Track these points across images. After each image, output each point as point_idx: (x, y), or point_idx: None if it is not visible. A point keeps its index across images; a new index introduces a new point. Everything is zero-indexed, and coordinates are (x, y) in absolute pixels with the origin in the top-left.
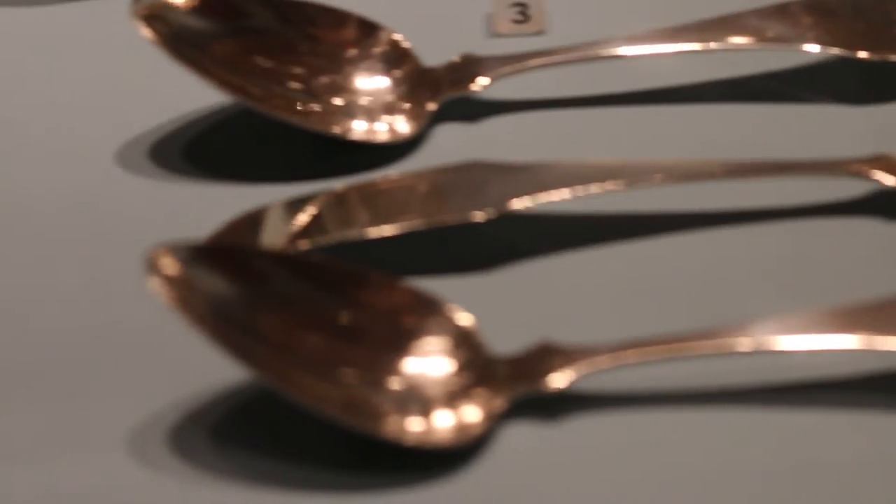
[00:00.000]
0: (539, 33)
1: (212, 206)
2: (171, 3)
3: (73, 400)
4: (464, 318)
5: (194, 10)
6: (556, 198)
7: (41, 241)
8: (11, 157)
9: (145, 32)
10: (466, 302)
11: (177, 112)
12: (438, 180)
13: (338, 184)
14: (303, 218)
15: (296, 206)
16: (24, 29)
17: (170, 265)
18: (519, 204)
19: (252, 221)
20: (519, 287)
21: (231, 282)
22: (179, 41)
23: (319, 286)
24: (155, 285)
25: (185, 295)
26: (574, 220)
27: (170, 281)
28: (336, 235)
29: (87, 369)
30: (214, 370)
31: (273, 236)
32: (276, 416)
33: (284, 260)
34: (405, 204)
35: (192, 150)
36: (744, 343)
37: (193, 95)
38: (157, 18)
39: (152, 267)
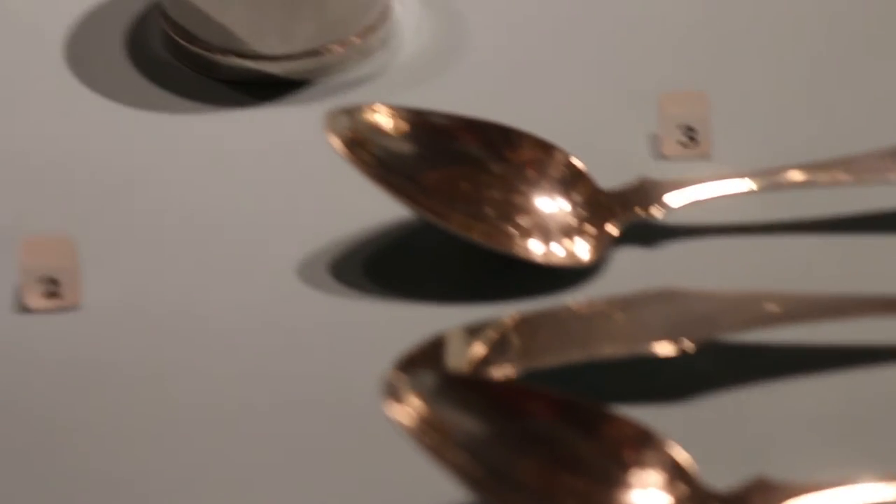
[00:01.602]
0: (705, 157)
1: (391, 324)
2: (362, 118)
3: None
4: (679, 453)
5: (380, 124)
6: (753, 328)
7: (221, 353)
8: (194, 266)
9: (335, 143)
10: (671, 432)
11: (358, 225)
12: (631, 307)
13: (516, 306)
14: (487, 343)
15: (478, 330)
16: (214, 134)
17: (410, 394)
18: (718, 334)
19: (436, 345)
20: (724, 418)
21: (464, 412)
22: (364, 153)
23: (539, 415)
24: (396, 412)
25: (426, 425)
26: (772, 348)
27: (411, 410)
28: (533, 362)
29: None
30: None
31: (456, 361)
32: None
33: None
34: (597, 331)
35: (373, 265)
36: None
37: (375, 208)
38: (344, 130)
39: (393, 393)
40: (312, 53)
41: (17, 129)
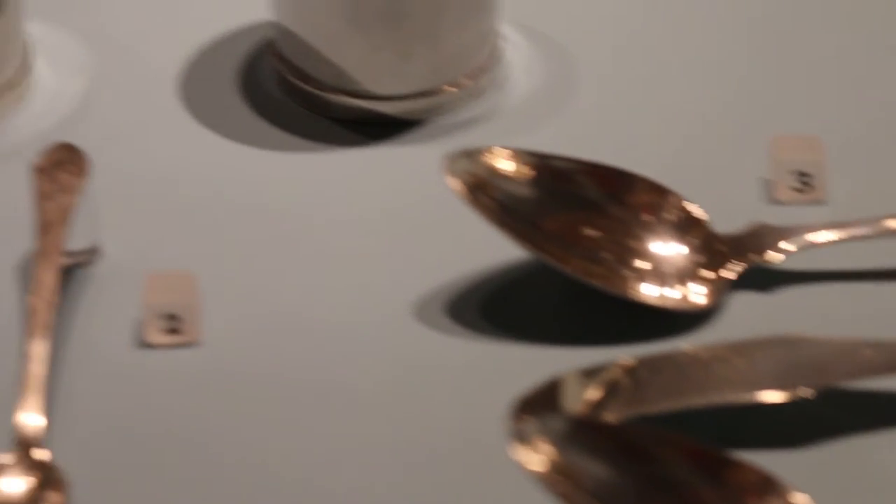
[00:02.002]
0: (820, 202)
1: (506, 364)
2: (481, 160)
3: None
4: (802, 500)
5: (499, 166)
6: (871, 376)
7: (337, 391)
8: (311, 304)
9: (455, 186)
10: (792, 478)
11: (474, 265)
12: (748, 353)
13: (631, 350)
14: (603, 386)
15: (594, 373)
16: (328, 173)
17: (539, 438)
18: (836, 381)
19: (552, 388)
20: (845, 464)
21: (592, 457)
22: (482, 195)
23: (666, 460)
24: (525, 458)
25: (556, 470)
26: (893, 395)
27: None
28: (650, 407)
29: None
30: None
31: (573, 404)
32: None
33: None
34: (714, 376)
35: (489, 306)
36: None
37: (491, 248)
38: (463, 172)
39: (521, 437)
40: (425, 94)
41: (134, 165)
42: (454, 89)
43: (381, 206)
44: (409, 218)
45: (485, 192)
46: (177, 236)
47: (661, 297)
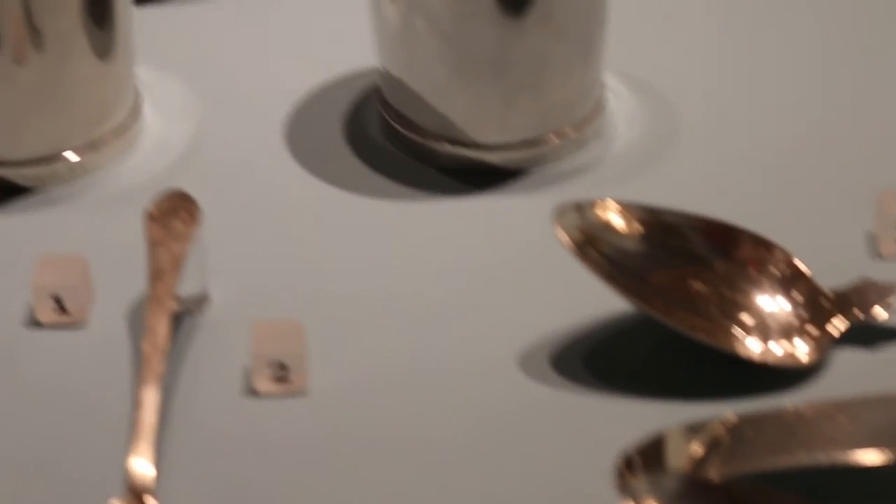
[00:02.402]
0: None
1: (610, 418)
2: (589, 213)
3: None
4: None
5: (607, 220)
6: None
7: (441, 441)
8: (415, 353)
9: (563, 239)
10: None
11: (578, 316)
12: (854, 411)
13: (735, 405)
14: (707, 443)
15: (698, 429)
16: (431, 221)
17: (650, 497)
18: None
19: (656, 443)
20: None
21: None
22: (590, 248)
23: None
24: None
25: None
26: None
27: None
28: (754, 464)
29: None
30: None
31: (677, 460)
32: None
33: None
34: (820, 434)
35: (593, 358)
36: None
37: (595, 300)
38: (571, 225)
39: (631, 495)
40: (529, 143)
41: (240, 210)
42: (558, 139)
43: (484, 255)
44: (513, 268)
45: (593, 245)
46: (283, 283)
47: (765, 352)
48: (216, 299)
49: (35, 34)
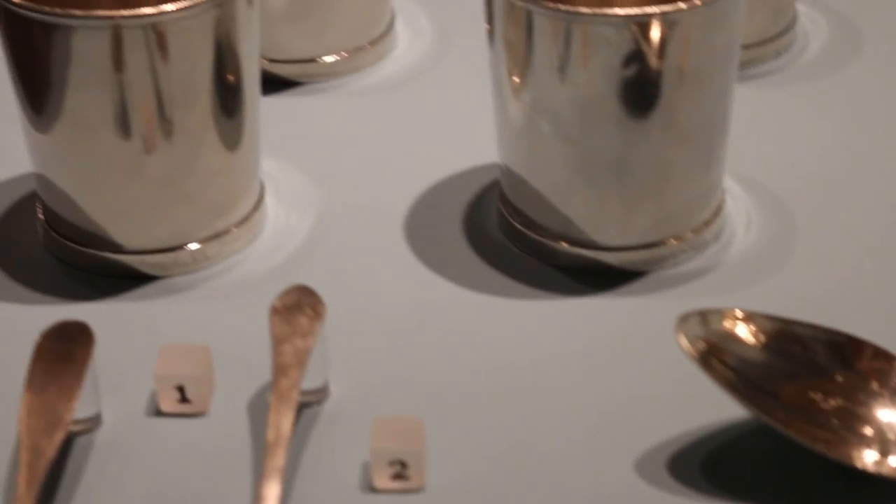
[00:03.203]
0: None
1: None
2: (712, 322)
3: None
4: None
5: (730, 329)
6: None
7: None
8: (532, 453)
9: (686, 347)
10: None
11: (697, 420)
12: None
13: None
14: None
15: None
16: (549, 320)
17: None
18: None
19: None
20: None
21: None
22: (712, 357)
23: None
24: None
25: None
26: None
27: None
28: None
29: None
30: None
31: None
32: None
33: None
34: None
35: (710, 465)
36: None
37: (713, 406)
38: (695, 334)
39: None
40: (648, 246)
41: (359, 304)
42: (677, 242)
43: (602, 357)
44: (630, 370)
45: (716, 355)
46: (401, 377)
47: (883, 464)
48: (335, 391)
49: (166, 125)
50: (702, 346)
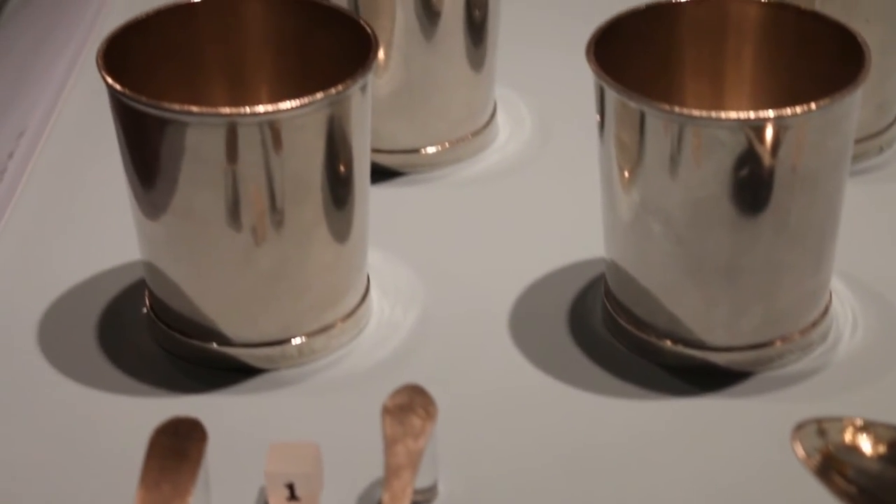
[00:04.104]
0: None
1: None
2: (831, 432)
3: None
4: None
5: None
6: None
7: None
8: None
9: (801, 455)
10: None
11: None
12: None
13: None
14: None
15: None
16: (654, 420)
17: None
18: None
19: None
20: None
21: None
22: (829, 465)
23: None
24: None
25: None
26: None
27: None
28: None
29: None
30: None
31: None
32: None
33: None
34: None
35: None
36: None
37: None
38: (812, 442)
39: None
40: (755, 347)
41: (464, 400)
42: (783, 343)
43: (710, 459)
44: (738, 473)
45: (834, 466)
46: (506, 473)
47: None
48: (443, 489)
49: (277, 219)
50: (819, 457)
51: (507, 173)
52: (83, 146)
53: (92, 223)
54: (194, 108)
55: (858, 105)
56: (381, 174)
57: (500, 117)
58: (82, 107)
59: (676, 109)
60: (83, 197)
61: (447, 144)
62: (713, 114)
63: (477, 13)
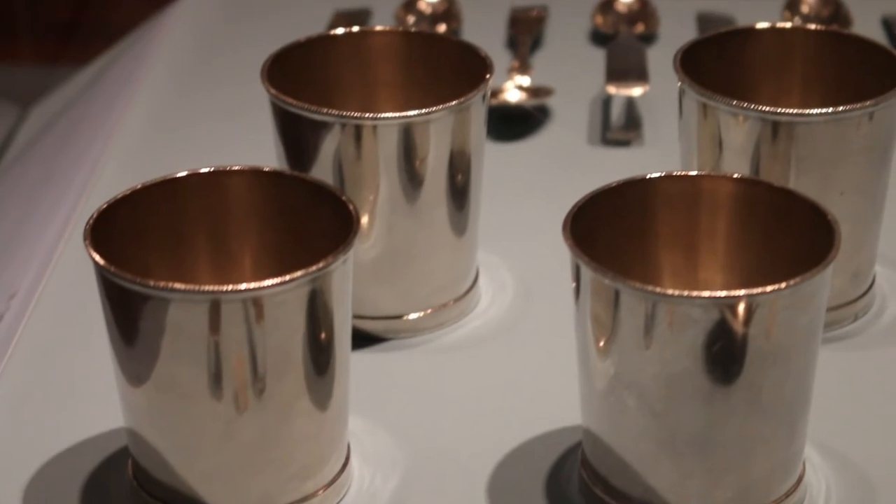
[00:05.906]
0: None
1: None
2: None
3: None
4: None
5: None
6: None
7: None
8: None
9: None
10: None
11: None
12: None
13: None
14: None
15: None
16: None
17: None
18: None
19: None
20: None
21: None
22: None
23: None
24: None
25: None
26: None
27: None
28: None
29: None
30: None
31: None
32: None
33: None
34: None
35: None
36: None
37: None
38: None
39: None
40: None
41: None
42: None
43: None
44: None
45: None
46: None
47: None
48: None
49: (258, 392)
50: None
51: (488, 339)
52: (72, 311)
53: (80, 388)
54: (177, 286)
55: (829, 281)
56: (363, 340)
57: (483, 282)
58: (72, 271)
59: (649, 288)
60: (71, 362)
61: (430, 310)
62: (686, 293)
63: (459, 178)
